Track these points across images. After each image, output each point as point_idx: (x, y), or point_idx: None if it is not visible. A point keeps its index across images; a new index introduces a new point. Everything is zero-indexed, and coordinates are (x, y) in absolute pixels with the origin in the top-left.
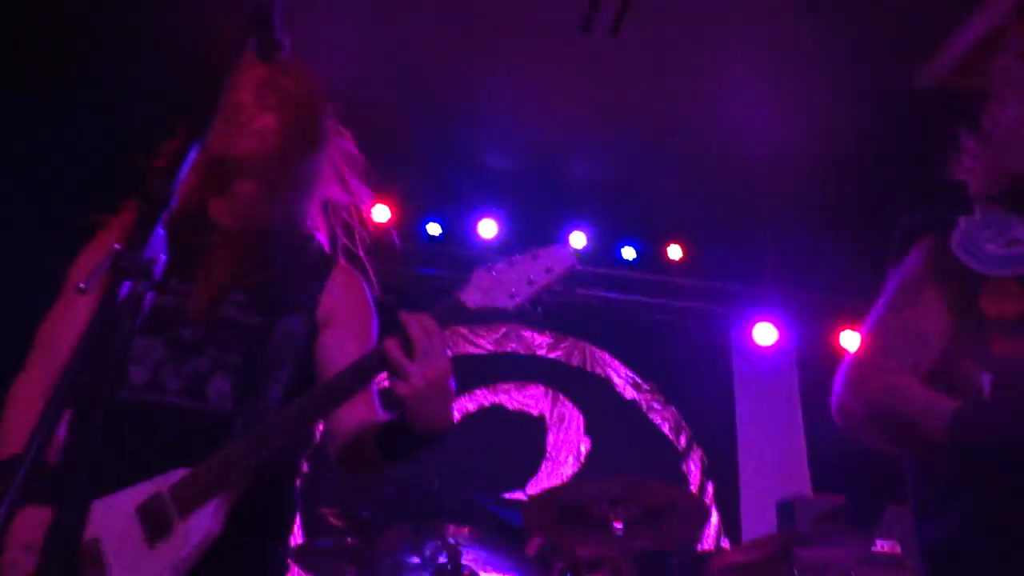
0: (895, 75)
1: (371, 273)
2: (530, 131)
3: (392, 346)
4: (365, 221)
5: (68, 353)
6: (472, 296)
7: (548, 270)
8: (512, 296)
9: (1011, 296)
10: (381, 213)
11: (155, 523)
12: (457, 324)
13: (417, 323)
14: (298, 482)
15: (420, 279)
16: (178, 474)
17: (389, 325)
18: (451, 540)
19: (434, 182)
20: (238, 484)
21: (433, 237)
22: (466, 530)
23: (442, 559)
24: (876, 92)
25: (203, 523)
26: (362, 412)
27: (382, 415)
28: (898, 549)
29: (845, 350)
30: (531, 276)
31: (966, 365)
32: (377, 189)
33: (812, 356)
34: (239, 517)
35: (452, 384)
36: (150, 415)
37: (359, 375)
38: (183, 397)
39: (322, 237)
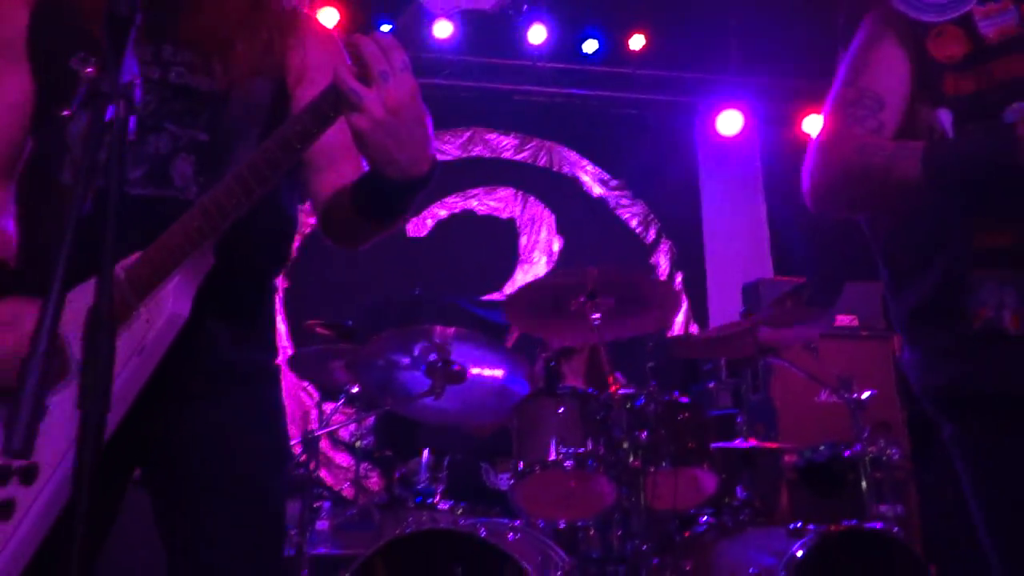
0: None
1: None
2: None
3: (345, 73)
4: None
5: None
6: None
7: None
8: None
9: (953, 38)
10: (330, 17)
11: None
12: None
13: (371, 42)
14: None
15: None
16: (134, 256)
17: None
18: (438, 340)
19: None
20: (201, 260)
21: None
22: (452, 330)
23: (432, 357)
24: None
25: (166, 304)
26: (348, 175)
27: None
28: (856, 322)
29: (809, 136)
30: None
31: (924, 109)
32: None
33: (775, 144)
34: (215, 297)
35: (423, 111)
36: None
37: (316, 118)
38: (147, 186)
39: None
